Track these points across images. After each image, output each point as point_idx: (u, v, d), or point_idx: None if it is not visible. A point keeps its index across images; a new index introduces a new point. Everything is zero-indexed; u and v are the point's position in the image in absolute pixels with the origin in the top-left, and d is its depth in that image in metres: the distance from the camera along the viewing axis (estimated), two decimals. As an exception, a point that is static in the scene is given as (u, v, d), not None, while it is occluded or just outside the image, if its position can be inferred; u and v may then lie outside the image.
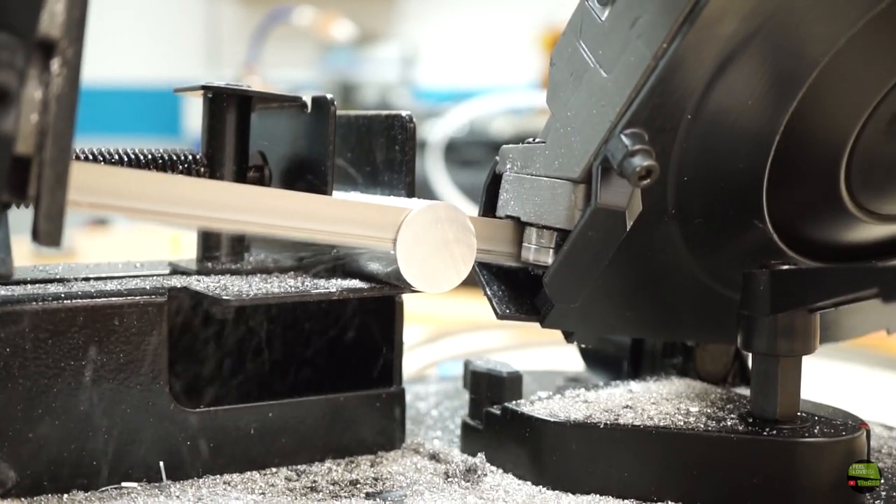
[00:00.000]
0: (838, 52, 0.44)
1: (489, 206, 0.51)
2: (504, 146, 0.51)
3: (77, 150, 0.49)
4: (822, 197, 0.49)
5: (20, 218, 0.65)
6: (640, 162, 0.42)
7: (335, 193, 0.51)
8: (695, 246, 0.49)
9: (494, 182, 0.51)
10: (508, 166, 0.50)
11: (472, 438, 0.52)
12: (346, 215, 0.45)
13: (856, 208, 0.49)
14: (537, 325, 0.50)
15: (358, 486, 0.48)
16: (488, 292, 0.50)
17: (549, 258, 0.47)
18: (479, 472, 0.49)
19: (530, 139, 0.49)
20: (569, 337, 0.51)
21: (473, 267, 0.50)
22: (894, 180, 0.50)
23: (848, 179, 0.48)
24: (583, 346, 0.51)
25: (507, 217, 0.49)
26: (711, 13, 0.41)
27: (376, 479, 0.48)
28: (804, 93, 0.45)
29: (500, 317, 0.49)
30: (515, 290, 0.50)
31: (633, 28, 0.43)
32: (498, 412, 0.50)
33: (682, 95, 0.43)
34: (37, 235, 0.34)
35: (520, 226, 0.49)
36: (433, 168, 1.40)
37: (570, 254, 0.46)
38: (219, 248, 0.52)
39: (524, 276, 0.50)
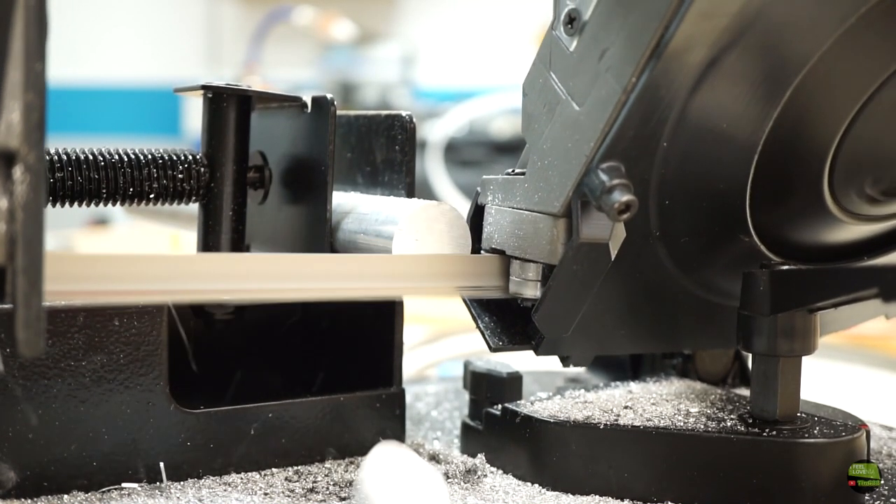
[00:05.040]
0: (812, 69, 0.44)
1: (474, 239, 0.51)
2: (484, 177, 0.51)
3: (78, 150, 0.50)
4: (805, 204, 0.49)
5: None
6: (618, 197, 0.41)
7: (335, 194, 0.51)
8: (682, 263, 0.49)
9: (478, 213, 0.51)
10: (490, 198, 0.50)
11: (471, 439, 0.52)
12: (343, 272, 0.45)
13: (839, 211, 0.49)
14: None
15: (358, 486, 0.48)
16: (480, 325, 0.50)
17: (536, 291, 0.47)
18: (479, 473, 0.49)
19: (510, 170, 0.49)
20: (565, 361, 0.51)
21: (464, 300, 0.50)
22: (877, 182, 0.50)
23: (831, 184, 0.48)
24: (580, 368, 0.51)
25: (492, 249, 0.49)
26: (678, 44, 0.40)
27: (376, 480, 0.48)
28: (781, 109, 0.44)
29: (493, 349, 0.49)
30: (507, 320, 0.50)
31: (601, 61, 0.42)
32: (498, 413, 0.50)
33: (656, 124, 0.43)
34: (17, 344, 0.34)
35: (505, 258, 0.49)
36: (433, 168, 1.40)
37: (557, 288, 0.46)
38: (218, 249, 0.52)
39: (515, 305, 0.50)
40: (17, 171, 0.33)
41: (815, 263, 0.51)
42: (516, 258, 0.48)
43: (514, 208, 0.48)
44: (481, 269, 0.49)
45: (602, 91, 0.42)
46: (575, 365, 0.51)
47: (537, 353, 0.49)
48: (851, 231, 0.51)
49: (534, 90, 0.46)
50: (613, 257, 0.45)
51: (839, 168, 0.48)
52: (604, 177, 0.42)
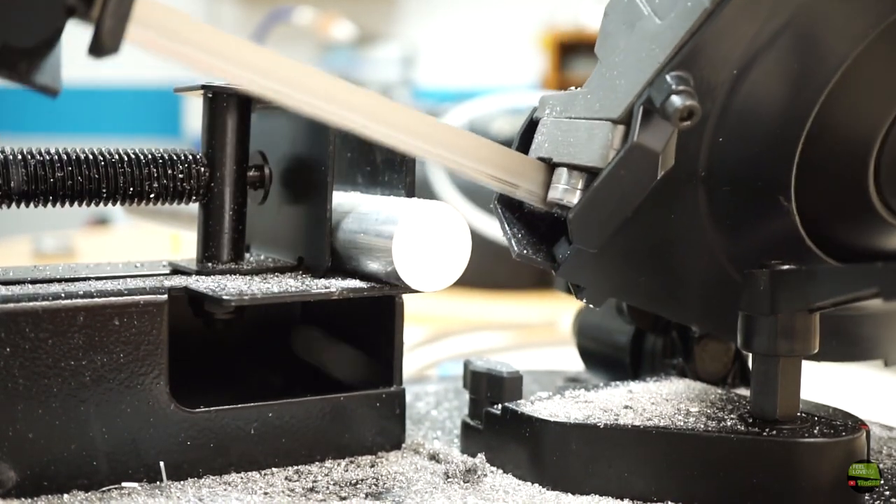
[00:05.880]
0: (885, 31, 0.44)
1: (521, 151, 0.50)
2: (543, 94, 0.50)
3: (78, 150, 0.50)
4: (849, 193, 0.48)
5: (22, 218, 0.65)
6: (682, 101, 0.42)
7: (335, 194, 0.51)
8: (718, 217, 0.48)
9: (530, 128, 0.50)
10: (547, 111, 0.49)
11: (471, 438, 0.52)
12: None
13: (887, 213, 0.49)
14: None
15: (358, 486, 0.48)
16: (508, 232, 0.49)
17: (576, 199, 0.47)
18: (479, 473, 0.49)
19: (573, 87, 0.49)
20: (579, 292, 0.50)
21: (495, 207, 0.50)
22: None
23: (877, 180, 0.48)
24: (591, 305, 0.50)
25: (539, 159, 0.49)
26: None
27: (376, 480, 0.48)
28: (844, 70, 0.45)
29: (516, 256, 0.49)
30: (535, 236, 0.50)
31: None
32: (498, 412, 0.50)
33: (731, 48, 0.43)
34: (99, 36, 0.34)
35: (550, 169, 0.48)
36: (433, 168, 1.40)
37: (599, 191, 0.45)
38: (219, 249, 0.52)
39: (545, 228, 0.49)
40: None
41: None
42: (564, 165, 0.47)
43: (571, 118, 0.48)
44: (523, 167, 0.48)
45: (689, 2, 0.43)
46: (587, 300, 0.50)
47: (557, 274, 0.49)
48: None
49: (615, 10, 0.47)
50: (659, 176, 0.44)
51: (886, 162, 0.47)
52: (671, 81, 0.43)
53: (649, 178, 0.45)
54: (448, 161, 0.46)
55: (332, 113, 0.43)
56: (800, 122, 0.46)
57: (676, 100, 0.42)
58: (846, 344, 0.55)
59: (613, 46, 0.46)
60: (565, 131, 0.47)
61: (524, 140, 0.50)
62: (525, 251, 0.49)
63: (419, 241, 0.48)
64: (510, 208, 0.50)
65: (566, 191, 0.47)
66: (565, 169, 0.47)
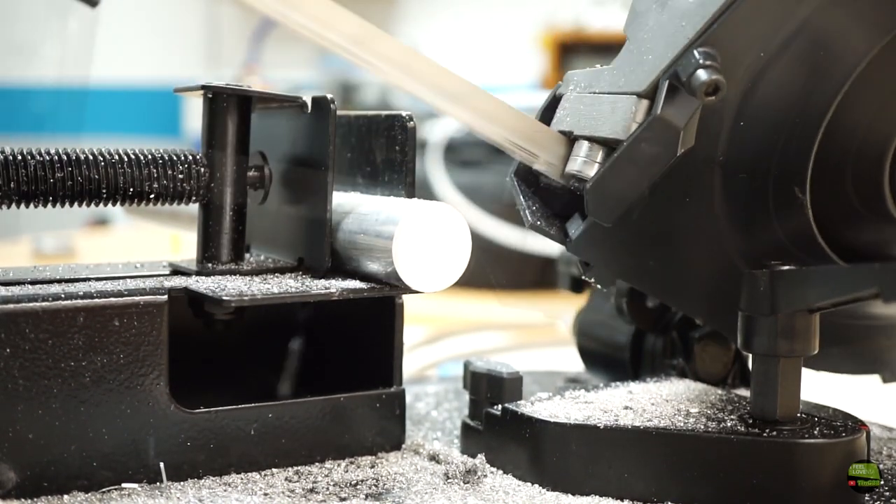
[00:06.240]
0: None
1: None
2: (569, 72, 0.50)
3: (78, 150, 0.50)
4: (864, 193, 0.48)
5: (22, 219, 0.65)
6: (709, 76, 0.42)
7: (335, 194, 0.51)
8: (732, 204, 0.48)
9: (552, 104, 0.50)
10: (571, 87, 0.49)
11: (472, 439, 0.52)
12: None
13: None
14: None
15: (358, 486, 0.48)
16: (522, 203, 0.50)
17: (593, 171, 0.46)
18: (479, 473, 0.49)
19: (598, 65, 0.49)
20: (587, 270, 0.50)
21: (511, 179, 0.50)
22: None
23: (893, 183, 0.48)
24: (598, 285, 0.50)
25: (560, 132, 0.49)
26: None
27: (376, 480, 0.48)
28: (865, 65, 0.45)
29: (529, 226, 0.49)
30: (550, 211, 0.50)
31: None
32: (498, 413, 0.50)
33: (759, 31, 0.44)
34: None
35: (570, 143, 0.48)
36: (433, 168, 1.40)
37: (619, 162, 0.45)
38: (219, 249, 0.52)
39: (559, 206, 0.49)
40: None
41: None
42: (584, 137, 0.47)
43: (595, 93, 0.48)
44: (544, 138, 0.48)
45: None
46: (595, 280, 0.50)
47: (567, 248, 0.49)
48: None
49: None
50: (679, 152, 0.44)
51: None
52: (698, 56, 0.43)
53: (669, 153, 0.45)
54: (473, 123, 0.47)
55: (363, 59, 0.44)
56: (820, 114, 0.46)
57: (702, 73, 0.42)
58: (847, 356, 0.55)
59: (642, 24, 0.46)
60: (588, 105, 0.48)
61: (546, 116, 0.50)
62: (538, 223, 0.49)
63: (419, 241, 0.48)
64: (526, 182, 0.50)
65: (585, 163, 0.47)
66: (585, 141, 0.47)
